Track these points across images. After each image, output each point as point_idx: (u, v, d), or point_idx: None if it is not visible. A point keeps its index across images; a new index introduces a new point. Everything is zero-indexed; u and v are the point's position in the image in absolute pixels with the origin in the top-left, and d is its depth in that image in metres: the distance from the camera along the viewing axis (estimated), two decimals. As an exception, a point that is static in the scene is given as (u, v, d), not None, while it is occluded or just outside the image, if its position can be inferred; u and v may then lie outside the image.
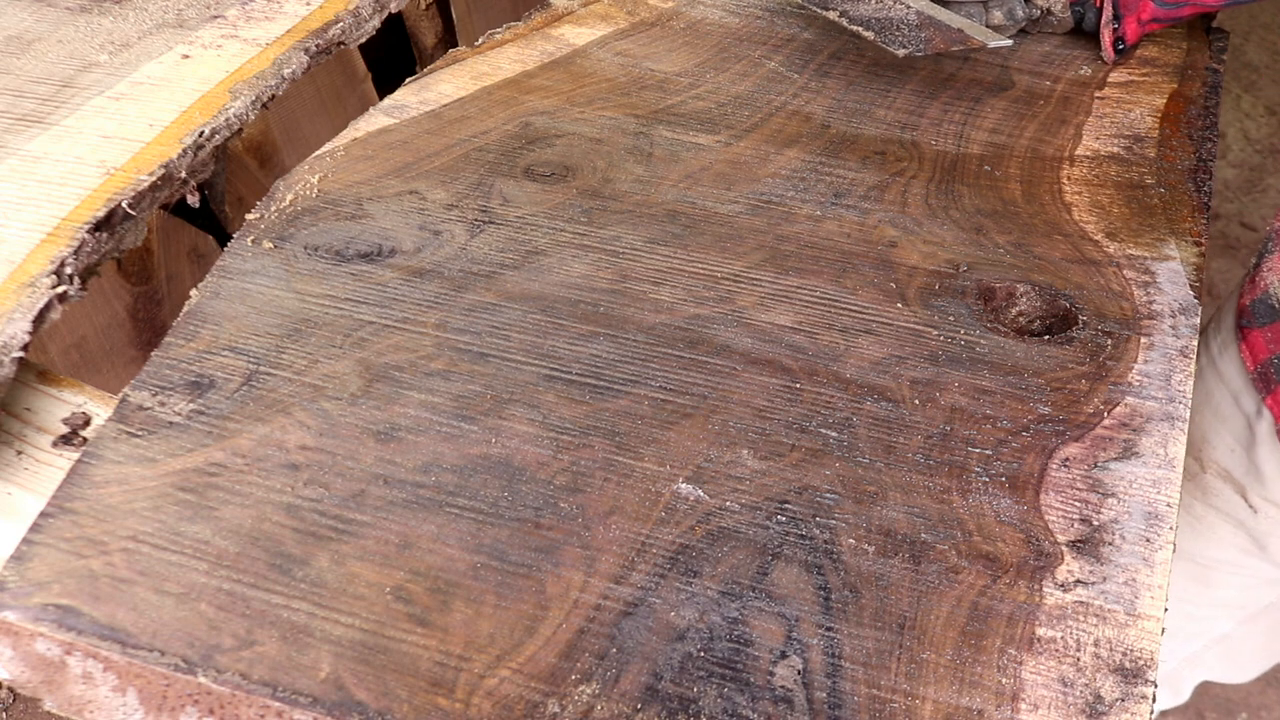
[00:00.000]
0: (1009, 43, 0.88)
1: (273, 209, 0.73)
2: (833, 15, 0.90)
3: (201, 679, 0.49)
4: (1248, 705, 1.53)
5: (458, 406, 0.61)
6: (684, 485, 0.58)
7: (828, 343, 0.66)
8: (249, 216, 0.73)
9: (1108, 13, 0.92)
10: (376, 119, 0.82)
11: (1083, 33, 0.97)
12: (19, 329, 0.62)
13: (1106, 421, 0.62)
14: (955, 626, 0.53)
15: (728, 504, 0.57)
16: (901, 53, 0.86)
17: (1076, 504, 0.58)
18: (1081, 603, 0.54)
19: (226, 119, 0.79)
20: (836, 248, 0.73)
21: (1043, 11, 0.95)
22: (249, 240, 0.71)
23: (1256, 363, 0.86)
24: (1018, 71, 0.94)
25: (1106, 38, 0.93)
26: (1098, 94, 0.91)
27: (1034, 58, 0.95)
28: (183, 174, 0.75)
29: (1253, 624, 1.02)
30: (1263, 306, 0.85)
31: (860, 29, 0.88)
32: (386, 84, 0.94)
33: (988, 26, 0.92)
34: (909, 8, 0.89)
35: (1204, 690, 1.54)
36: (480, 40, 0.93)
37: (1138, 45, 0.96)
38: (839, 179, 0.80)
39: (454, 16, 1.42)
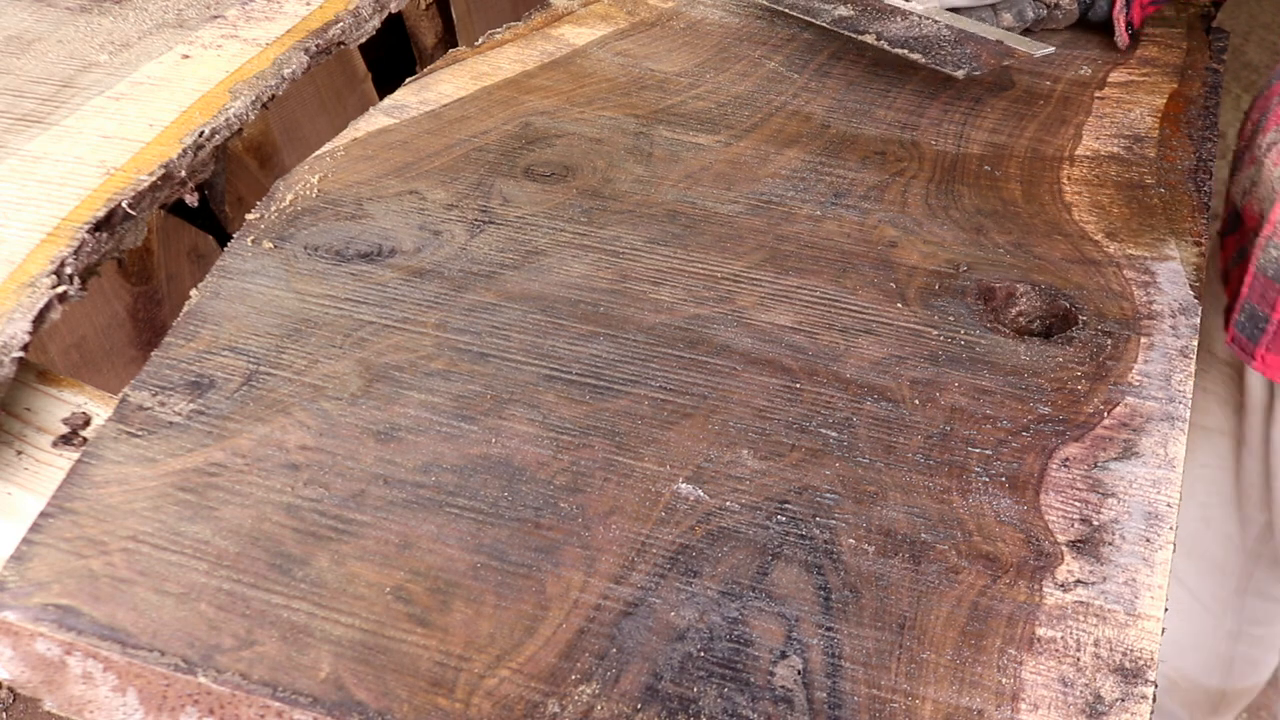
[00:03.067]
0: (1051, 49, 0.88)
1: (273, 209, 0.73)
2: (870, 39, 0.90)
3: (201, 679, 0.49)
4: (1248, 705, 1.53)
5: (458, 406, 0.61)
6: (684, 485, 0.58)
7: (828, 343, 0.66)
8: (249, 216, 0.73)
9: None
10: (376, 119, 0.82)
11: (1084, 30, 0.98)
12: (19, 329, 0.62)
13: (1106, 421, 0.62)
14: (955, 626, 0.53)
15: (728, 504, 0.57)
16: (960, 74, 0.86)
17: (1076, 504, 0.58)
18: (1081, 603, 0.54)
19: (226, 119, 0.79)
20: (836, 248, 0.73)
21: (1049, 7, 0.95)
22: (249, 240, 0.71)
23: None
24: (1018, 71, 0.94)
25: (1120, 24, 0.93)
26: (1098, 94, 0.91)
27: (1034, 58, 0.95)
28: (183, 174, 0.75)
29: None
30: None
31: (907, 52, 0.88)
32: (386, 84, 0.94)
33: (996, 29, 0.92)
34: (937, 23, 0.89)
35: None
36: (480, 40, 0.93)
37: (1143, 28, 0.97)
38: (839, 179, 0.80)
39: (454, 16, 1.42)
